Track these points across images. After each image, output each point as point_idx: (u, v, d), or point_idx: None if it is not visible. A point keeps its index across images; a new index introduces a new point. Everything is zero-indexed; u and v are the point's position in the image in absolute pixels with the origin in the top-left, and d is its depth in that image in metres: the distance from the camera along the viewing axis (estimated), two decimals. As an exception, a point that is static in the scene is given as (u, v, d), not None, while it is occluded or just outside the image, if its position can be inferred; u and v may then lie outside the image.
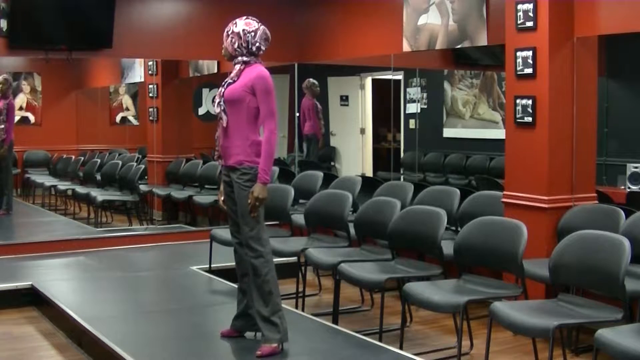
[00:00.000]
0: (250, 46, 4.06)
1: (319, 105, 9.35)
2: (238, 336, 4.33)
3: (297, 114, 9.29)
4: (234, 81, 4.07)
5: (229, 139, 4.08)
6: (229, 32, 4.08)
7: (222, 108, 4.07)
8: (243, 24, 4.07)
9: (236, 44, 4.06)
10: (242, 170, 4.04)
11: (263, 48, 4.10)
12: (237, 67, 4.08)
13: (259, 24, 4.11)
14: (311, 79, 9.15)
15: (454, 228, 5.59)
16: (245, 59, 4.07)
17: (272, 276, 4.06)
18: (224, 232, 5.42)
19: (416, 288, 4.30)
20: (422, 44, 6.63)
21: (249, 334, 4.32)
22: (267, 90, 4.01)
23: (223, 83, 4.11)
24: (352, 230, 5.46)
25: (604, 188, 6.73)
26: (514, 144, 5.30)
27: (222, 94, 4.08)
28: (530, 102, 5.10)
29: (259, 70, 4.04)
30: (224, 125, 4.07)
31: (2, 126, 8.64)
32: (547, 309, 3.91)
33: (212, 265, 6.11)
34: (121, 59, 10.12)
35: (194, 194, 8.64)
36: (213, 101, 4.20)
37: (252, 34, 4.06)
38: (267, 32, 4.12)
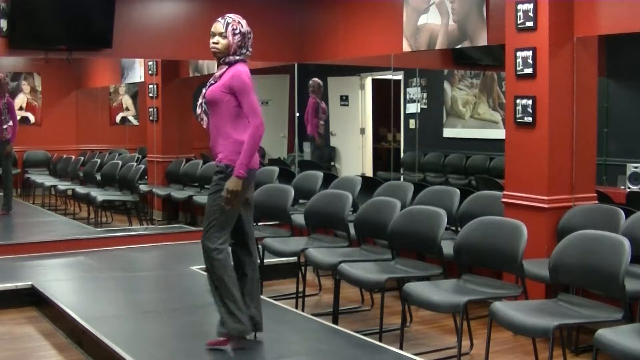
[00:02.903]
0: (246, 48, 4.08)
1: (321, 105, 9.33)
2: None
3: (297, 114, 9.28)
4: (216, 82, 4.08)
5: (213, 139, 4.11)
6: (236, 31, 4.04)
7: (203, 109, 4.10)
8: (246, 26, 4.08)
9: (240, 43, 4.06)
10: (218, 167, 4.06)
11: (251, 50, 4.14)
12: (223, 67, 4.07)
13: None
14: (317, 80, 9.12)
15: (454, 228, 5.59)
16: (237, 58, 4.06)
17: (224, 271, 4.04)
18: (224, 232, 5.41)
19: (416, 288, 4.30)
20: (422, 44, 6.63)
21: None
22: (244, 87, 3.99)
23: (207, 84, 4.12)
24: (352, 230, 5.45)
25: (604, 188, 6.74)
26: (514, 144, 5.30)
27: (204, 95, 4.10)
28: (530, 102, 5.10)
29: (236, 69, 4.03)
30: (205, 126, 4.12)
31: (5, 126, 8.64)
32: (547, 309, 3.91)
33: (212, 265, 6.10)
34: (121, 59, 10.11)
35: (194, 194, 8.64)
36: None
37: (249, 36, 4.09)
38: None
